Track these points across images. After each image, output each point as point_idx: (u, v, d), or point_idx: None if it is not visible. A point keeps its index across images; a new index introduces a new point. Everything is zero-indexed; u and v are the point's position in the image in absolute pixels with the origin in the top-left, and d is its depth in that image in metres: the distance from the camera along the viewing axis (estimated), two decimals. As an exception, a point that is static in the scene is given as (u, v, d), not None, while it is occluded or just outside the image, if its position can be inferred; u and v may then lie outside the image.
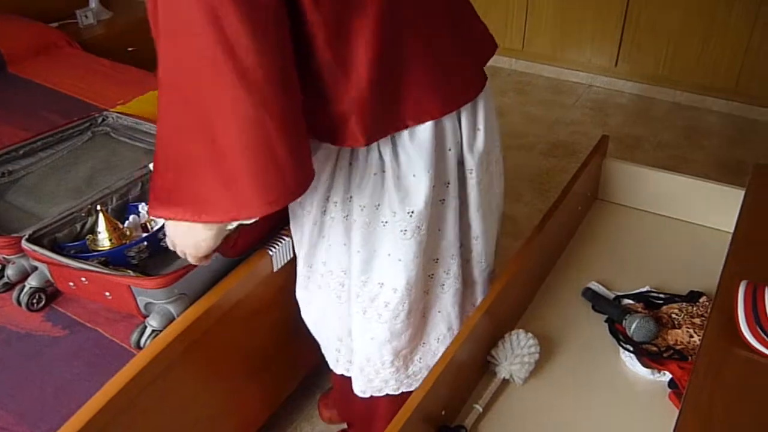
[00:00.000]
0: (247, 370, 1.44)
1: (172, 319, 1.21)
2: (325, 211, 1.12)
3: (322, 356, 1.67)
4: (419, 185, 1.04)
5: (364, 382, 1.28)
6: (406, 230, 1.06)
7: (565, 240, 1.58)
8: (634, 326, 1.25)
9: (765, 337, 0.95)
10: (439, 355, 1.25)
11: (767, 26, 3.12)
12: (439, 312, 1.23)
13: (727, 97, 3.38)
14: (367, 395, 1.30)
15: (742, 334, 0.96)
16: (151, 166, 1.46)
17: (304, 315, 1.34)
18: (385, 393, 1.29)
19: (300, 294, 1.31)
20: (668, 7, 3.31)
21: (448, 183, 1.09)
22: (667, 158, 2.99)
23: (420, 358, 1.27)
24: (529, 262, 1.33)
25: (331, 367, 1.37)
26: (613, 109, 3.44)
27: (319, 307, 1.28)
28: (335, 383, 1.53)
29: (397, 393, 1.30)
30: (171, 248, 1.05)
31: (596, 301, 1.37)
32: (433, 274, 1.17)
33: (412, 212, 1.05)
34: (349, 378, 1.33)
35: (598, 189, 1.75)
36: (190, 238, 0.98)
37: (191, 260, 1.04)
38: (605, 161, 1.71)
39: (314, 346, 1.66)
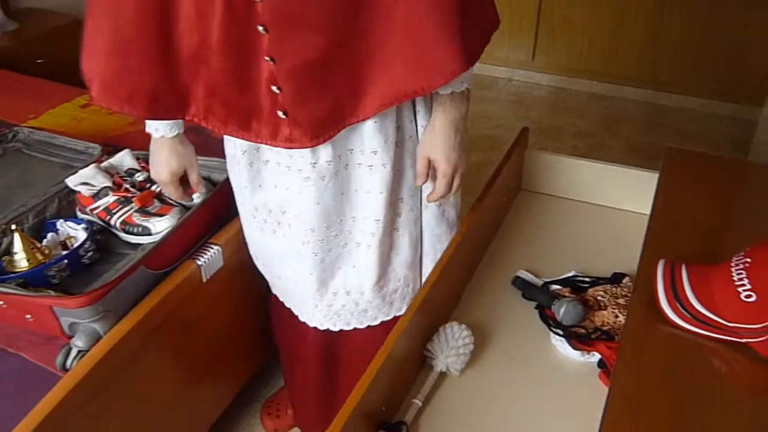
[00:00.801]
0: (181, 385, 1.41)
1: (98, 338, 1.17)
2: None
3: (262, 365, 1.66)
4: None
5: (401, 300, 1.37)
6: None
7: (492, 231, 1.62)
8: (562, 311, 1.29)
9: (684, 312, 0.99)
10: None
11: (673, 15, 3.27)
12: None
13: (640, 85, 3.53)
14: (390, 317, 1.37)
15: (663, 310, 1.01)
16: (78, 176, 1.42)
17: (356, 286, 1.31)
18: (392, 316, 1.37)
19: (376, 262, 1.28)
20: (579, 2, 3.43)
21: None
22: (586, 146, 3.09)
23: None
24: (459, 256, 1.34)
25: (364, 325, 1.36)
26: (533, 101, 3.54)
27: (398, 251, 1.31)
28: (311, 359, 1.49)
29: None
30: (446, 186, 1.17)
31: (526, 288, 1.40)
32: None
33: None
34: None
35: (521, 179, 1.79)
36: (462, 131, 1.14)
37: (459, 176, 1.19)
38: (527, 152, 1.75)
39: (251, 354, 1.64)
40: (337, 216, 1.21)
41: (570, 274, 1.45)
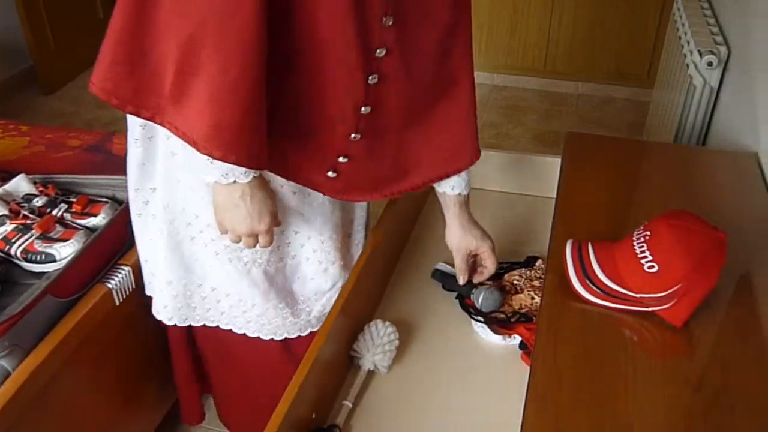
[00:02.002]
0: (102, 416, 1.35)
1: (7, 375, 1.11)
2: None
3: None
4: None
5: None
6: None
7: (409, 226, 1.63)
8: (481, 298, 1.32)
9: (594, 287, 1.03)
10: None
11: (563, 7, 3.41)
12: None
13: (538, 74, 3.65)
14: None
15: (574, 288, 1.05)
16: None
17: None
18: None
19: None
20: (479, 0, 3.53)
21: None
22: (493, 137, 3.18)
23: None
24: (378, 254, 1.35)
25: (299, 334, 1.34)
26: (438, 97, 3.61)
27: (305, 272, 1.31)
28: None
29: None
30: None
31: (445, 279, 1.43)
32: None
33: None
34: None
35: (433, 174, 1.82)
36: None
37: None
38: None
39: (172, 377, 1.59)
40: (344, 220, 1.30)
41: (486, 262, 1.48)
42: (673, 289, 0.97)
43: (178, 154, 1.11)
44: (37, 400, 1.13)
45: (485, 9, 3.52)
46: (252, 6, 0.84)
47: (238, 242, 1.07)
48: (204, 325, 1.31)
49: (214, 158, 0.92)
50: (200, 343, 1.41)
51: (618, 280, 1.01)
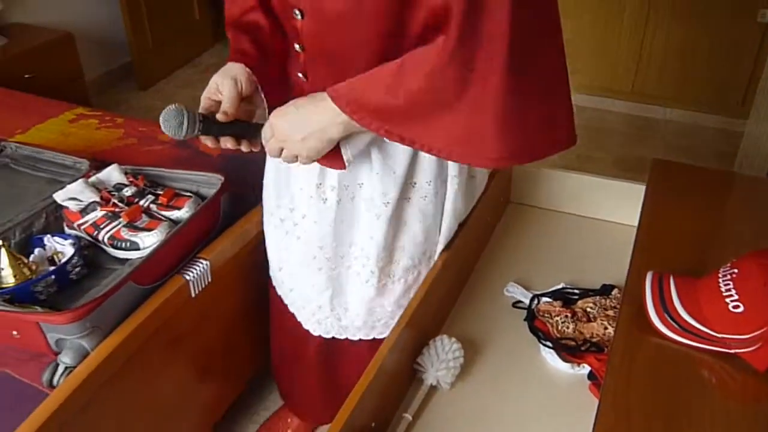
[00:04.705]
0: (170, 402, 1.40)
1: (86, 354, 1.16)
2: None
3: (252, 380, 1.62)
4: None
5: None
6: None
7: (482, 244, 1.62)
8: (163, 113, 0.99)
9: (673, 323, 1.00)
10: None
11: (656, 30, 3.31)
12: None
13: (625, 98, 3.56)
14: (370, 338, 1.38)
15: (652, 321, 1.01)
16: (66, 191, 1.41)
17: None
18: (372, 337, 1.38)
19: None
20: (563, 17, 3.47)
21: None
22: (573, 159, 3.11)
23: None
24: (449, 269, 1.35)
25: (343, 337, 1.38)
26: (520, 114, 3.56)
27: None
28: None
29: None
30: None
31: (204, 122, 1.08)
32: None
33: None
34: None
35: (510, 192, 1.80)
36: None
37: None
38: (514, 166, 1.76)
39: (241, 370, 1.63)
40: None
41: (560, 286, 1.45)
42: (759, 332, 0.92)
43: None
44: (112, 379, 1.18)
45: (572, 27, 3.46)
46: None
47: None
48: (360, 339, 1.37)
49: None
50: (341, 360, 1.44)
51: (700, 317, 0.97)
